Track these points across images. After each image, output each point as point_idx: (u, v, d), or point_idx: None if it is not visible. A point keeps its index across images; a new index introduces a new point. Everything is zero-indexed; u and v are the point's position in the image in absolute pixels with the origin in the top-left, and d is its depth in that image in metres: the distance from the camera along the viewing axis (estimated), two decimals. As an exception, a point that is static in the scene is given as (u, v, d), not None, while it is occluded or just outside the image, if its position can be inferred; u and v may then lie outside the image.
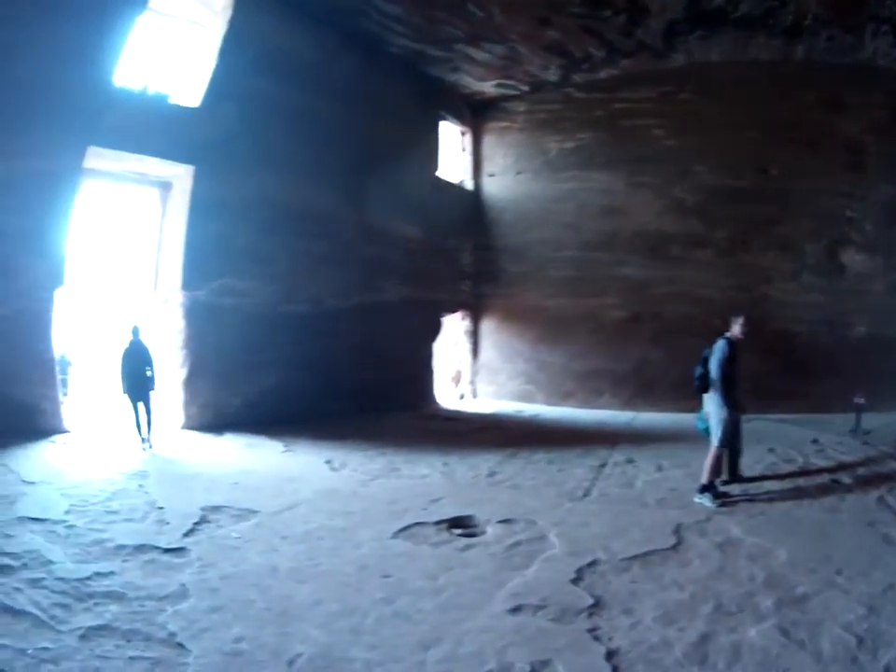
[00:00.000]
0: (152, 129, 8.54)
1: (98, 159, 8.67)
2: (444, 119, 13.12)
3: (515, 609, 3.58)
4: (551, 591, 3.78)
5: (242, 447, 8.37)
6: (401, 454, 7.97)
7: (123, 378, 7.78)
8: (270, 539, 4.83)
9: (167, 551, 4.52)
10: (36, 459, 6.95)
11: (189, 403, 9.24)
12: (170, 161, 9.03)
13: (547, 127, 13.19)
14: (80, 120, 7.70)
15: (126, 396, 7.85)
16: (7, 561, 4.28)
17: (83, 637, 3.25)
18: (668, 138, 12.47)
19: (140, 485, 6.33)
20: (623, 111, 12.59)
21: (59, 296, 8.11)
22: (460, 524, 5.06)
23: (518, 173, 13.51)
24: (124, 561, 4.34)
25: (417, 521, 5.13)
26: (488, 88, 12.95)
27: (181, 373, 9.27)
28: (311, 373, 10.31)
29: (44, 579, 4.01)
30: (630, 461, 7.51)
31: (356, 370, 10.93)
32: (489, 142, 13.83)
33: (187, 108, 9.22)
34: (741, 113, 11.94)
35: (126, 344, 7.96)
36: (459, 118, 13.46)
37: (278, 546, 4.67)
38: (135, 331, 8.10)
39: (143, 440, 7.90)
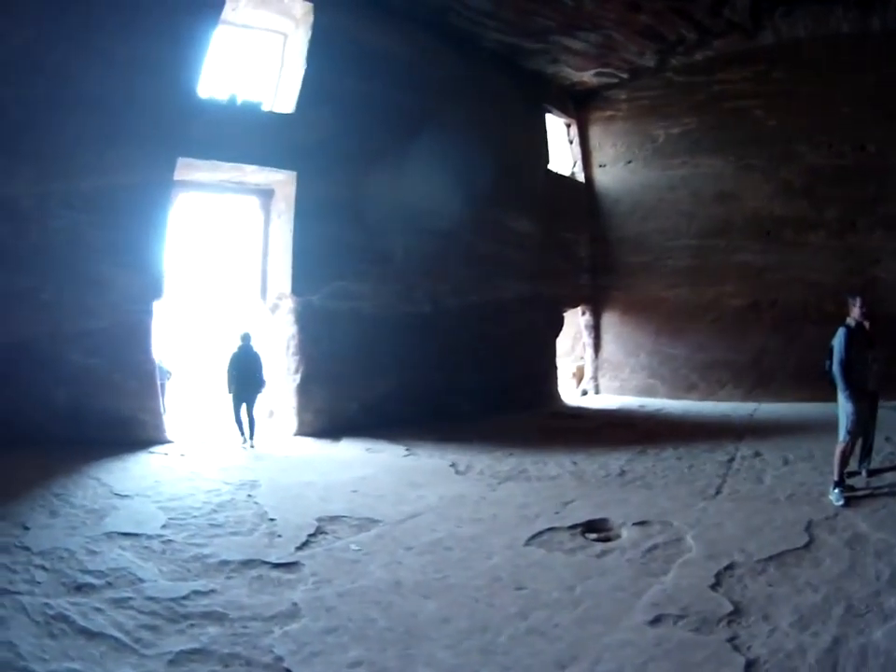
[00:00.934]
0: (248, 137, 8.28)
1: (192, 170, 8.46)
2: (549, 111, 12.66)
3: (655, 620, 3.29)
4: (690, 598, 3.52)
5: (361, 452, 7.79)
6: (529, 454, 7.43)
7: (230, 381, 7.96)
8: (392, 550, 4.39)
9: (277, 566, 4.06)
10: (133, 471, 6.42)
11: (303, 409, 8.80)
12: (270, 168, 8.73)
13: (651, 114, 12.64)
14: (167, 133, 7.56)
15: (231, 397, 7.99)
16: (87, 579, 3.73)
17: (172, 663, 2.85)
18: (769, 118, 11.94)
19: (249, 496, 5.72)
20: (723, 93, 12.06)
21: (158, 307, 7.81)
22: (594, 527, 4.80)
23: (628, 162, 12.95)
24: (228, 578, 3.89)
25: (550, 526, 4.77)
26: (588, 77, 12.51)
27: (294, 379, 8.88)
28: (431, 374, 9.75)
29: (131, 599, 3.52)
30: (757, 455, 7.19)
31: (477, 369, 10.30)
32: (595, 132, 13.32)
33: (282, 115, 8.94)
34: (832, 89, 11.33)
35: (235, 349, 8.12)
36: (563, 109, 12.96)
37: (402, 558, 4.24)
38: (245, 337, 8.23)
39: (244, 440, 7.94)
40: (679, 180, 12.44)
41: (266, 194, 9.56)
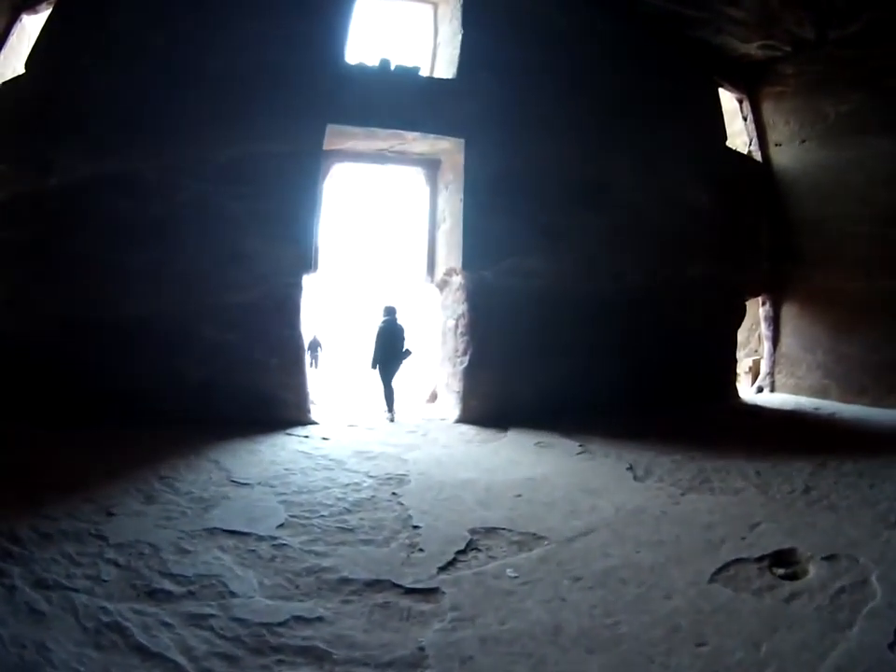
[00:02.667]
0: (407, 103, 7.64)
1: (347, 139, 7.94)
2: (720, 85, 11.13)
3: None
4: (870, 662, 2.78)
5: (529, 447, 6.66)
6: (710, 458, 6.22)
7: (376, 355, 8.10)
8: (557, 579, 3.48)
9: (411, 591, 3.22)
10: (263, 455, 5.74)
11: (468, 395, 7.83)
12: (434, 136, 7.96)
13: (818, 90, 11.10)
14: (313, 100, 7.18)
15: (377, 371, 8.15)
16: (165, 585, 2.99)
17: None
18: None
19: (394, 494, 4.78)
20: (888, 69, 10.24)
21: (309, 281, 7.26)
22: (782, 559, 4.04)
23: (802, 141, 11.45)
24: (344, 602, 3.05)
25: (737, 556, 3.91)
26: (754, 50, 10.89)
27: (461, 361, 7.98)
28: (610, 359, 8.41)
29: (212, 616, 2.75)
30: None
31: (657, 355, 8.80)
32: (767, 109, 11.88)
33: (444, 80, 8.20)
34: None
35: (381, 323, 8.16)
36: (734, 83, 11.45)
37: (567, 592, 3.33)
38: (391, 311, 8.29)
39: (388, 412, 7.93)
40: (852, 161, 10.86)
41: (432, 164, 8.87)
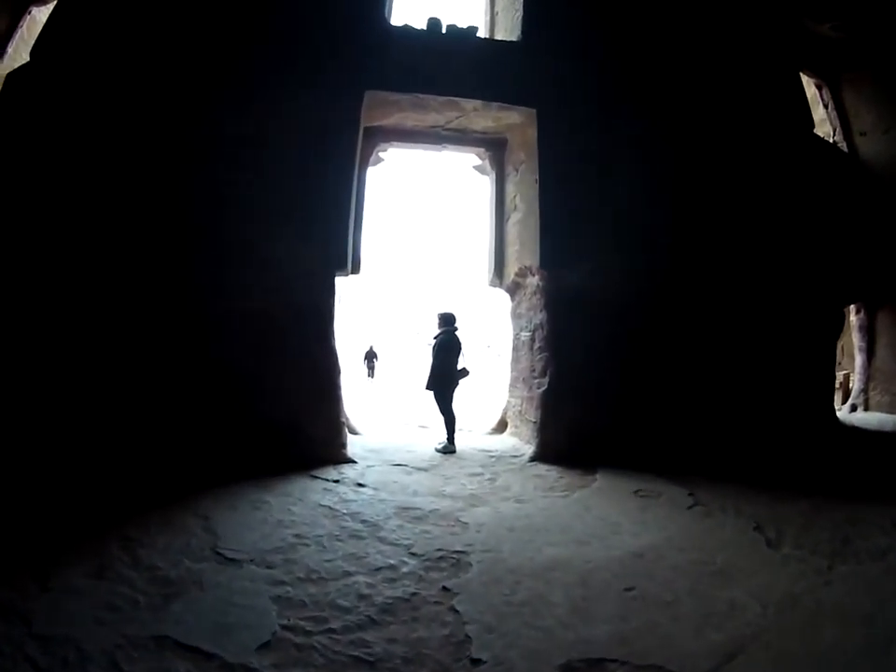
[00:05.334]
0: (463, 67, 6.28)
1: (392, 111, 6.58)
2: (800, 69, 9.25)
3: None
4: None
5: (628, 498, 4.99)
6: (838, 505, 4.68)
7: (433, 373, 6.78)
8: None
9: None
10: (271, 510, 4.22)
11: (547, 425, 6.20)
12: (499, 104, 6.48)
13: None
14: (350, 61, 5.97)
15: (433, 393, 6.80)
16: None
17: None
18: None
19: (445, 589, 3.20)
20: None
21: (346, 284, 5.71)
22: None
23: (885, 131, 9.97)
24: None
25: None
26: (826, 30, 9.38)
27: (539, 384, 6.37)
28: (703, 382, 6.48)
29: None
30: None
31: (749, 375, 6.71)
32: (848, 96, 10.45)
33: (506, 42, 6.80)
34: None
35: (439, 334, 6.93)
36: (812, 68, 9.81)
37: None
38: (449, 320, 6.98)
39: (450, 442, 6.53)
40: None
41: (497, 144, 7.43)
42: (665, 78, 6.72)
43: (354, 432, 6.75)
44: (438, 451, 6.31)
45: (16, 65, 5.81)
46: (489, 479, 5.33)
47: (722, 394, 6.40)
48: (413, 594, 3.07)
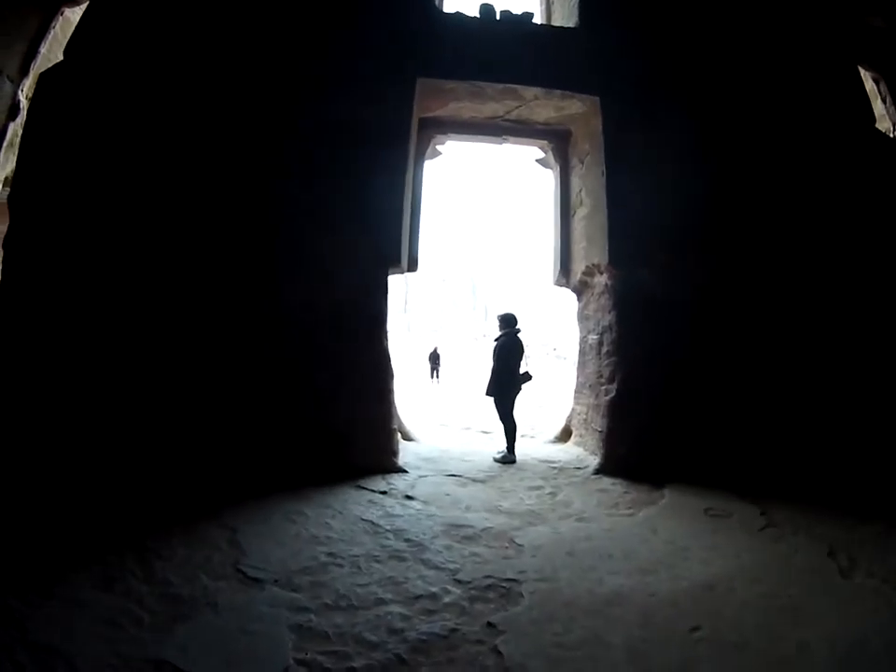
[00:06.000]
0: (520, 54, 5.94)
1: (447, 99, 6.23)
2: (858, 62, 8.12)
3: None
4: None
5: (697, 517, 4.50)
6: None
7: (494, 377, 6.39)
8: None
9: None
10: (306, 524, 3.91)
11: (614, 435, 5.71)
12: (560, 92, 6.06)
13: None
14: (401, 46, 5.72)
15: (496, 397, 6.38)
16: None
17: None
18: None
19: (490, 626, 2.81)
20: None
21: (399, 281, 5.31)
22: None
23: None
24: None
25: None
26: (878, 22, 8.63)
27: (606, 391, 5.88)
28: (787, 391, 5.79)
29: None
30: None
31: (824, 383, 5.92)
32: None
33: (564, 29, 6.37)
34: None
35: (499, 338, 6.53)
36: (870, 61, 8.80)
37: None
38: (510, 320, 6.57)
39: (507, 452, 6.14)
40: None
41: (560, 136, 6.97)
42: (722, 72, 6.16)
43: (409, 438, 6.45)
44: (497, 460, 5.91)
45: (49, 66, 5.84)
46: (550, 493, 4.89)
47: (795, 403, 5.73)
48: (453, 629, 2.70)
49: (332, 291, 5.09)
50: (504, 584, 3.16)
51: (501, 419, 6.31)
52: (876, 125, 7.49)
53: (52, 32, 6.79)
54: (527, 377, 6.42)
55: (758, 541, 3.99)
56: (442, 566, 3.37)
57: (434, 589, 3.08)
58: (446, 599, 2.98)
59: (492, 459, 5.95)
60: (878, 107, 9.53)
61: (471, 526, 3.99)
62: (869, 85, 9.25)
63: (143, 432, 4.69)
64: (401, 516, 4.12)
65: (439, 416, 10.11)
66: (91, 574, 3.03)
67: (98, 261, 4.91)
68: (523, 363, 6.45)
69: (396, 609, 2.87)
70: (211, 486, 4.41)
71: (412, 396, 13.96)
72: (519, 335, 6.48)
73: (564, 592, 3.10)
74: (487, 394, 6.45)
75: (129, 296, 4.90)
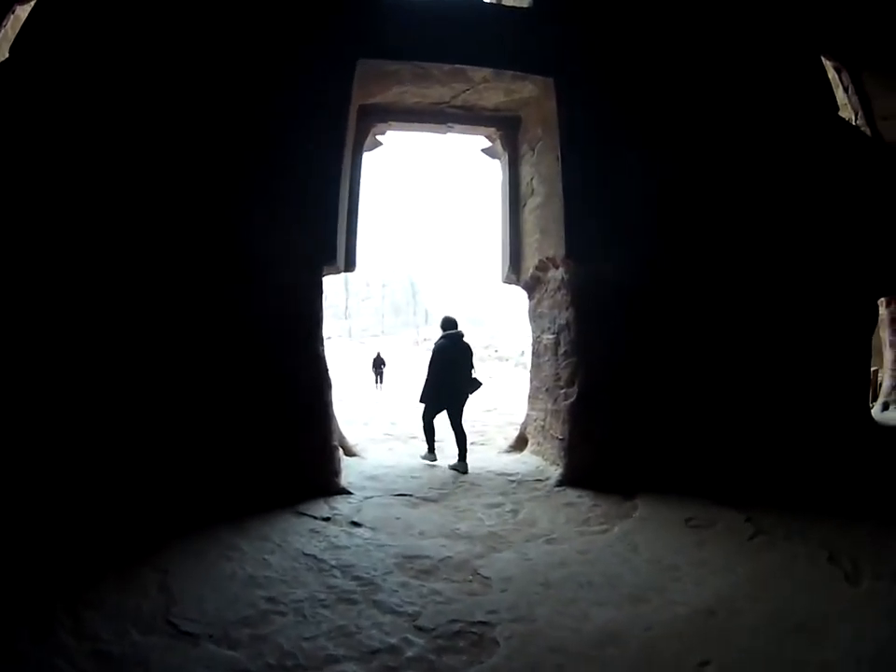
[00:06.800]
0: (470, 35, 5.50)
1: (391, 84, 5.74)
2: (822, 52, 8.47)
3: None
4: None
5: (679, 529, 4.15)
6: None
7: (430, 383, 6.10)
8: None
9: None
10: (244, 561, 3.34)
11: (577, 442, 5.28)
12: (512, 73, 5.66)
13: None
14: (340, 28, 5.20)
15: (428, 402, 6.15)
16: None
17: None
18: None
19: None
20: None
21: (337, 288, 4.87)
22: None
23: None
24: None
25: None
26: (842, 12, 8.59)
27: (566, 394, 5.46)
28: (740, 386, 5.58)
29: None
30: None
31: (782, 376, 5.81)
32: (869, 78, 9.46)
33: (516, 9, 5.99)
34: None
35: (439, 341, 6.23)
36: (832, 51, 8.92)
37: None
38: (449, 323, 6.32)
39: (433, 457, 6.12)
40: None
41: (509, 123, 6.60)
42: (684, 55, 5.89)
43: (351, 454, 5.91)
44: (451, 467, 5.73)
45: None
46: (511, 511, 4.45)
47: (757, 399, 5.56)
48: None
49: (261, 294, 4.52)
50: (474, 629, 2.69)
51: (424, 430, 6.17)
52: (839, 113, 7.52)
53: (2, 30, 6.14)
54: (476, 384, 6.14)
55: (750, 551, 3.69)
56: (399, 608, 2.87)
57: (393, 640, 2.58)
58: (409, 653, 2.49)
59: (442, 472, 5.54)
60: (840, 96, 9.81)
61: (428, 556, 3.50)
62: (831, 74, 9.48)
63: (73, 463, 4.00)
64: (348, 548, 3.59)
65: (383, 425, 9.60)
66: (29, 623, 2.57)
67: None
68: (472, 370, 6.18)
69: (351, 667, 2.37)
70: (143, 519, 3.79)
71: (354, 403, 13.38)
72: (463, 339, 6.19)
73: (545, 634, 2.66)
74: (421, 400, 6.19)
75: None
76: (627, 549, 3.74)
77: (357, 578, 3.18)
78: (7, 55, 4.93)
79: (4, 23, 6.44)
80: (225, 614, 2.78)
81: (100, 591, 2.92)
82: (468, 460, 5.77)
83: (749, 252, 5.67)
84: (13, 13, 6.42)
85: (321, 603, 2.91)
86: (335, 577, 3.19)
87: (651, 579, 3.28)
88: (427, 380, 6.10)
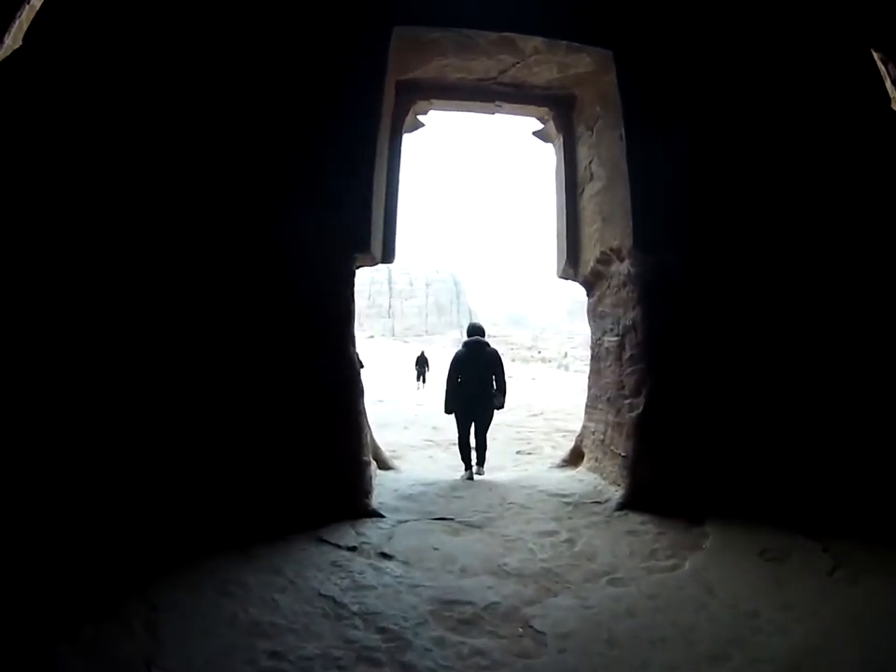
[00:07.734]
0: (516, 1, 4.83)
1: (435, 57, 5.17)
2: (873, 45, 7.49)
3: None
4: None
5: (752, 564, 3.54)
6: None
7: (453, 393, 5.81)
8: None
9: None
10: (249, 599, 2.85)
11: (639, 462, 4.63)
12: (567, 43, 4.98)
13: None
14: None
15: (455, 415, 5.88)
16: None
17: None
18: None
19: None
20: None
21: (382, 287, 4.31)
22: None
23: None
24: None
25: None
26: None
27: (631, 405, 4.80)
28: (817, 400, 4.69)
29: None
30: None
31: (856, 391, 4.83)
32: None
33: None
34: None
35: (461, 349, 5.97)
36: (877, 43, 7.80)
37: None
38: (475, 329, 6.11)
39: (468, 474, 5.72)
40: None
41: (561, 102, 5.93)
42: (736, 46, 5.05)
43: (387, 466, 5.37)
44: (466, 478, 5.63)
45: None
46: (566, 540, 3.82)
47: (833, 412, 4.71)
48: None
49: (287, 288, 4.00)
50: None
51: (461, 439, 5.87)
52: (892, 106, 6.68)
53: (17, 22, 5.94)
54: (499, 404, 5.87)
55: (832, 589, 3.13)
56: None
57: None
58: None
59: (487, 489, 4.95)
60: (889, 89, 8.96)
61: (470, 602, 2.91)
62: (882, 68, 8.66)
63: (56, 471, 3.58)
64: (374, 588, 3.02)
65: (424, 430, 9.14)
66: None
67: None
68: (497, 379, 5.84)
69: None
70: (135, 539, 3.31)
71: (395, 405, 12.95)
72: (486, 347, 5.85)
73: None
74: (447, 411, 5.91)
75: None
76: (702, 590, 3.12)
77: (382, 630, 2.61)
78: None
79: (18, 14, 6.20)
80: (217, 669, 2.27)
81: (80, 624, 2.47)
82: (485, 467, 5.88)
83: (818, 251, 4.87)
84: (28, 3, 6.19)
85: (336, 663, 2.36)
86: (356, 627, 2.63)
87: (730, 629, 2.71)
88: (447, 390, 5.82)
